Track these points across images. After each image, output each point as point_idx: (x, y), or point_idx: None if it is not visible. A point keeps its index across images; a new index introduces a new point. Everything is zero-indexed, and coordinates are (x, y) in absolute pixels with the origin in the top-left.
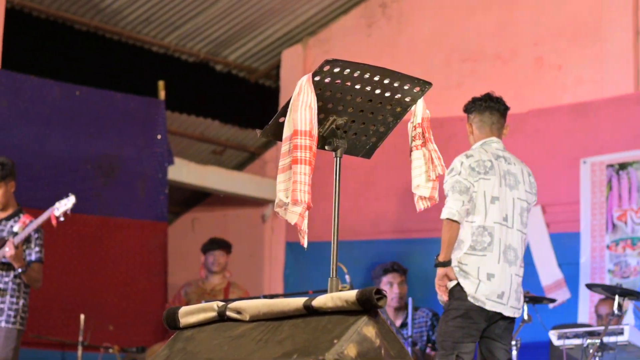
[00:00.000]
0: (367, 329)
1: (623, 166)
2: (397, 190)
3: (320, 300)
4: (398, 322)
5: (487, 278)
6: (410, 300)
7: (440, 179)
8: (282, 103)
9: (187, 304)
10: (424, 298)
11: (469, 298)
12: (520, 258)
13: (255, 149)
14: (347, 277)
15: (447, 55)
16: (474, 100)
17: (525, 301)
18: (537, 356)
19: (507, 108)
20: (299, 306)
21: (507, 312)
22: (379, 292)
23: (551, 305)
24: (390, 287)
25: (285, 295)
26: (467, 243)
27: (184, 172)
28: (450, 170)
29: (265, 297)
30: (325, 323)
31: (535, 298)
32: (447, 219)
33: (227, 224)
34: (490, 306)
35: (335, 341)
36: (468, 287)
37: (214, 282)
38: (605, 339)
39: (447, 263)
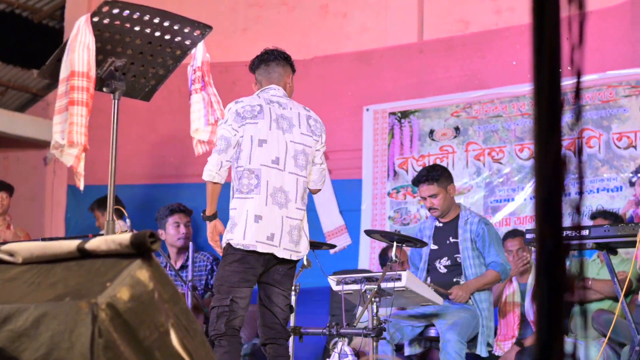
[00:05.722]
0: (140, 272)
1: (405, 114)
2: (180, 134)
3: (94, 243)
4: (178, 264)
5: (255, 220)
6: (191, 244)
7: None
8: None
9: None
10: (203, 242)
11: (240, 246)
12: (294, 200)
13: (38, 90)
14: (127, 220)
15: (233, 1)
16: (253, 60)
17: None
18: (318, 301)
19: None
20: (73, 249)
21: (281, 254)
22: (153, 235)
23: (332, 251)
24: (177, 227)
25: (66, 238)
26: (234, 188)
27: None
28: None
29: (43, 239)
30: (98, 266)
31: (315, 244)
32: (208, 181)
33: (8, 166)
34: (261, 248)
35: (108, 284)
36: (236, 237)
37: None
38: (384, 285)
39: (213, 217)
